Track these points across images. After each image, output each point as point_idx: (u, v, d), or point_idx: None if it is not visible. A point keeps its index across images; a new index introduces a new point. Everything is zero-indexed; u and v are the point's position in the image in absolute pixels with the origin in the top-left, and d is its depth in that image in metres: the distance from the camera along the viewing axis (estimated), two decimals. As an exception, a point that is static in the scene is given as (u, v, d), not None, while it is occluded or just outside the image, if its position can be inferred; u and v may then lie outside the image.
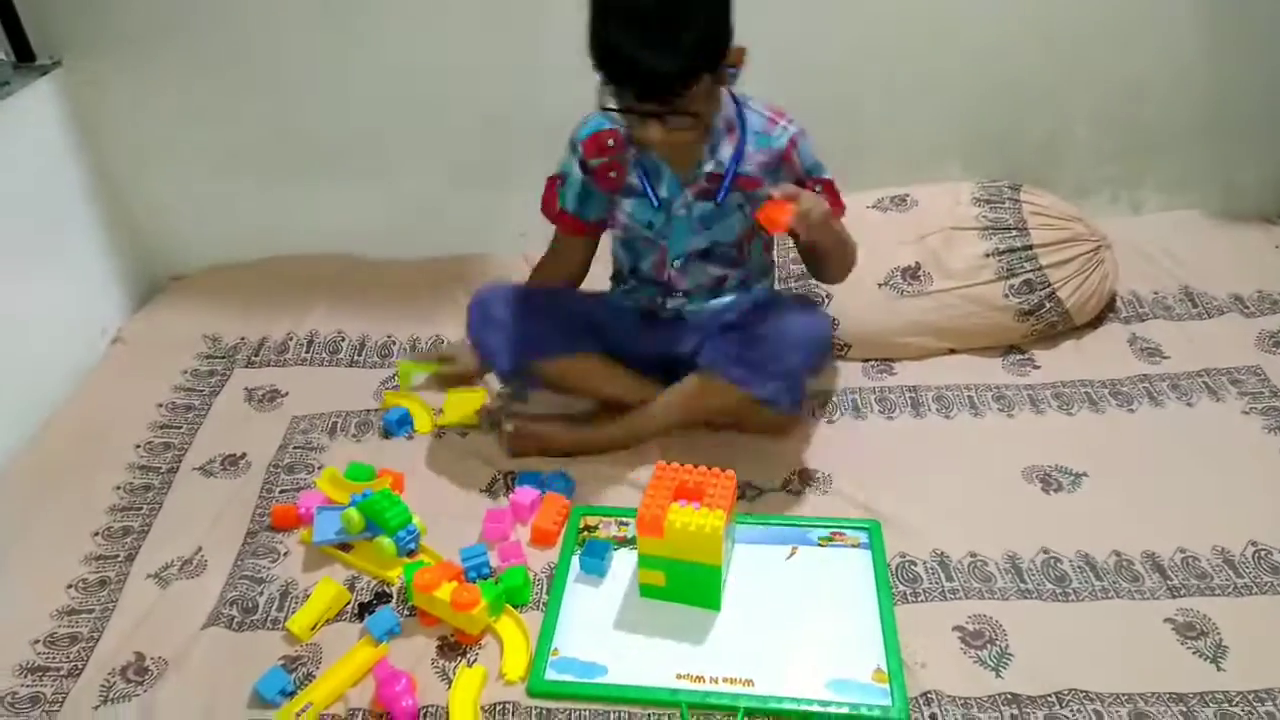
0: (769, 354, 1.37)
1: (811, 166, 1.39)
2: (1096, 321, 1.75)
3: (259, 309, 1.90)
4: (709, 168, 1.36)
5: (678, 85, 1.18)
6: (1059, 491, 1.41)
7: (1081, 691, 1.12)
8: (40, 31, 1.78)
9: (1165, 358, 1.66)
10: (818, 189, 1.38)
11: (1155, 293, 1.82)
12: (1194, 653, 1.16)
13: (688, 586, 1.24)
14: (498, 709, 1.14)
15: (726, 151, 1.36)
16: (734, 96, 1.36)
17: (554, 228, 1.50)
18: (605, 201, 1.44)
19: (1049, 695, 1.12)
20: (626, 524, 1.37)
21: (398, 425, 1.59)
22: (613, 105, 1.23)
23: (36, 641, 1.27)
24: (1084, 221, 1.76)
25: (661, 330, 1.51)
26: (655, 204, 1.39)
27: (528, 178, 2.01)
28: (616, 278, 1.56)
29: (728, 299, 1.49)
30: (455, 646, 1.23)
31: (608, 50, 1.18)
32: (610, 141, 1.38)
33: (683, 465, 1.24)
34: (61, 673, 1.24)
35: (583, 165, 1.41)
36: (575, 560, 1.33)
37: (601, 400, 1.53)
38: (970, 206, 1.75)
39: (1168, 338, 1.71)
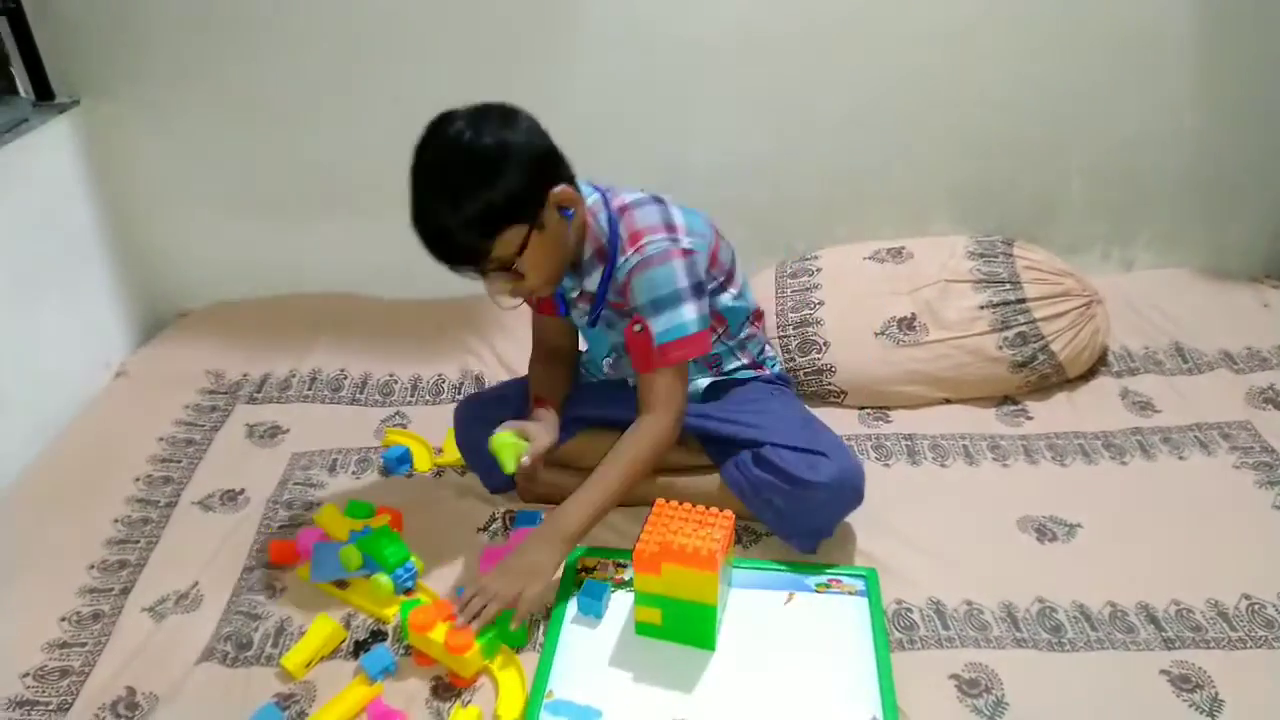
0: (802, 510, 1.33)
1: (643, 305, 1.29)
2: (1089, 374, 1.78)
3: (263, 346, 1.92)
4: (575, 293, 1.38)
5: (474, 251, 1.19)
6: (1053, 541, 1.42)
7: (1077, 742, 1.12)
8: (60, 71, 1.83)
9: (1157, 411, 1.69)
10: (637, 328, 1.31)
11: (1146, 348, 1.85)
12: (1190, 705, 1.16)
13: (683, 625, 1.24)
14: (492, 750, 1.14)
15: (594, 279, 1.34)
16: (612, 215, 1.32)
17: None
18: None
19: (1045, 745, 1.12)
20: (624, 565, 1.38)
21: (397, 463, 1.60)
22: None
23: (26, 675, 1.27)
24: (1076, 277, 1.79)
25: (616, 394, 1.49)
26: (563, 311, 1.42)
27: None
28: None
29: (702, 384, 1.48)
30: (450, 688, 1.22)
31: (415, 219, 1.20)
32: None
33: (681, 504, 1.25)
34: (50, 707, 1.23)
35: None
36: (572, 601, 1.33)
37: None
38: (965, 260, 1.79)
39: (1159, 392, 1.73)
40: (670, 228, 1.31)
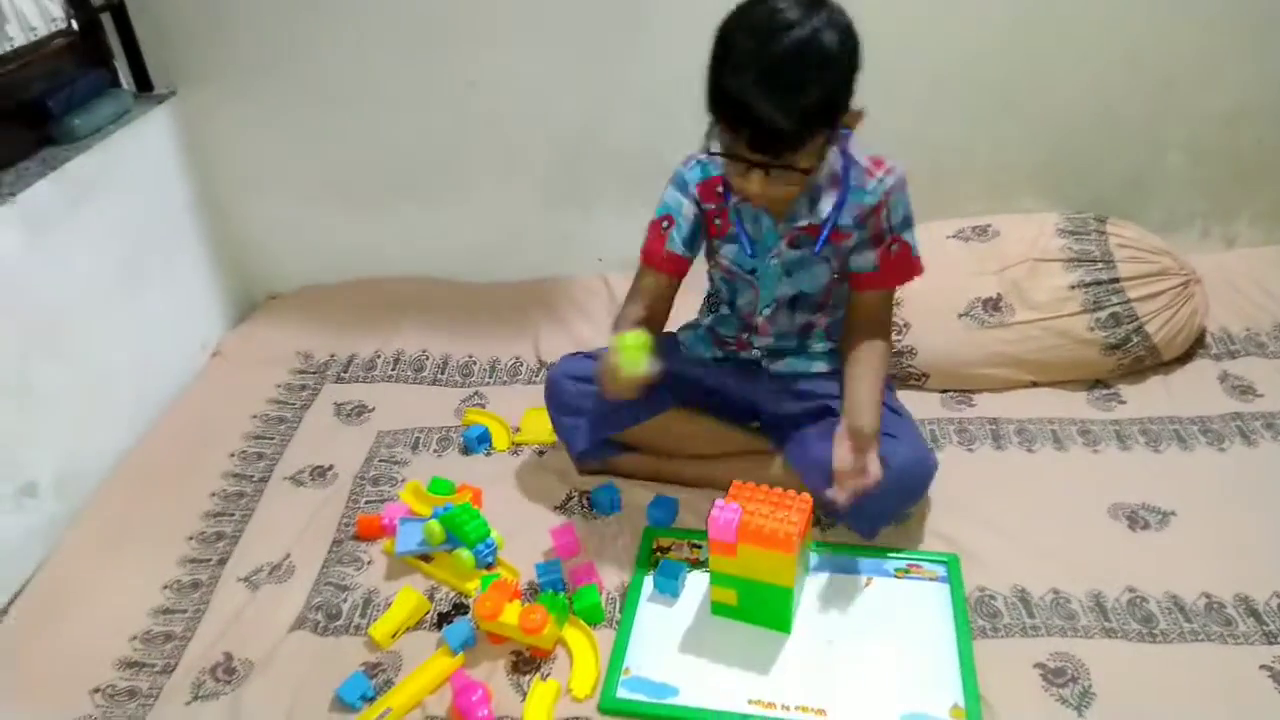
0: (874, 497, 1.28)
1: (898, 223, 1.33)
2: (1185, 357, 1.70)
3: (349, 328, 1.98)
4: (805, 221, 1.33)
5: (792, 141, 1.16)
6: (1146, 530, 1.37)
7: (1169, 736, 1.09)
8: (158, 63, 1.90)
9: (1259, 395, 1.61)
10: (894, 247, 1.34)
11: (1248, 329, 1.76)
12: (1293, 702, 1.11)
13: (759, 607, 1.24)
14: (570, 724, 1.16)
15: (828, 205, 1.31)
16: (845, 146, 1.32)
17: (641, 266, 1.43)
18: (706, 244, 1.43)
19: (1134, 738, 1.09)
20: (699, 546, 1.38)
21: (477, 442, 1.63)
22: (718, 149, 1.20)
23: (134, 638, 1.34)
24: (1172, 255, 1.72)
25: (743, 378, 1.48)
26: (750, 253, 1.37)
27: (604, 202, 2.06)
28: (711, 306, 1.52)
29: (816, 366, 1.45)
30: (529, 660, 1.25)
31: (727, 96, 1.15)
32: (719, 188, 1.36)
33: (759, 485, 1.24)
34: (156, 669, 1.30)
35: (697, 205, 1.38)
36: (648, 580, 1.34)
37: (685, 454, 1.51)
38: (1055, 238, 1.73)
39: (1261, 375, 1.65)
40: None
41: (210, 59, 1.91)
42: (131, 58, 1.87)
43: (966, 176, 1.93)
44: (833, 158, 1.30)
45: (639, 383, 1.24)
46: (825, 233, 1.32)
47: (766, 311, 1.42)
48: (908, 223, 1.34)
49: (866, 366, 1.34)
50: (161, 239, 1.88)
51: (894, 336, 1.69)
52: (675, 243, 1.38)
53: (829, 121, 1.17)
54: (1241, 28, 1.77)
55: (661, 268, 1.40)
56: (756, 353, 1.47)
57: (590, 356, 1.48)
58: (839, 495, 1.23)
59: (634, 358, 1.21)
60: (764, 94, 1.12)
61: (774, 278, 1.39)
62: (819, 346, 1.46)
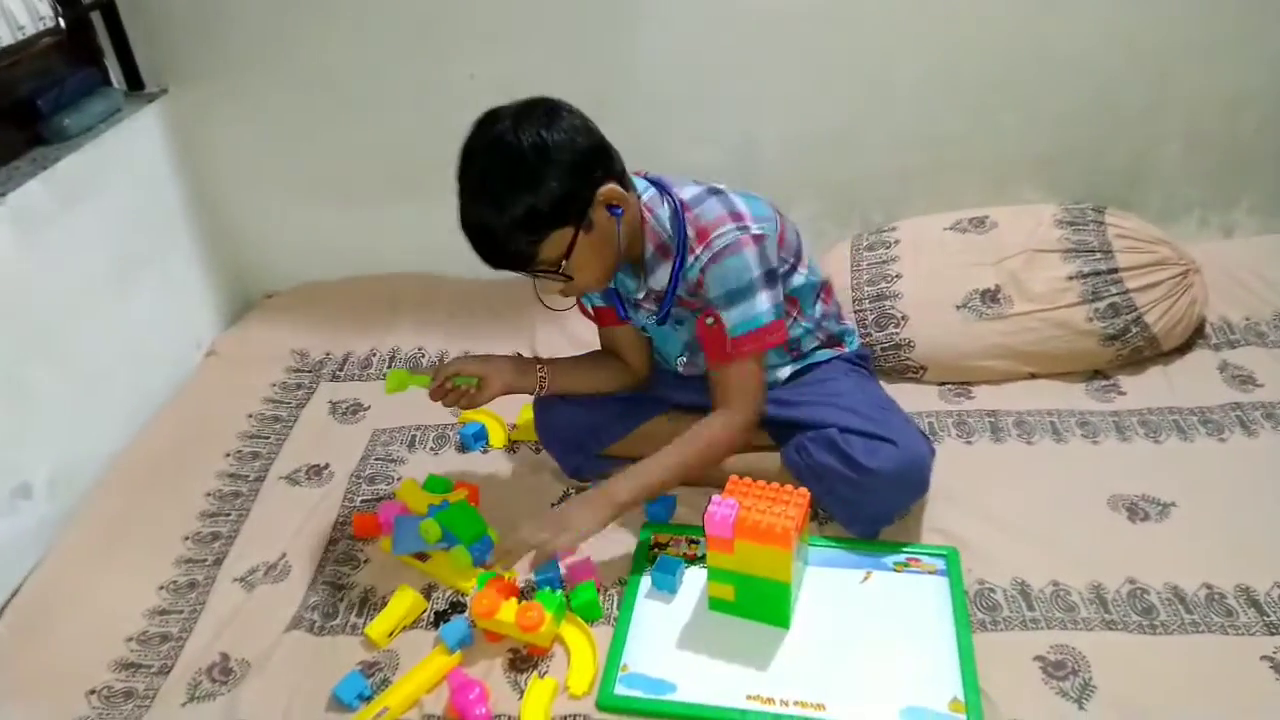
0: (862, 496, 1.31)
1: (716, 298, 1.28)
2: (1185, 347, 1.69)
3: (344, 326, 1.97)
4: (641, 294, 1.34)
5: (521, 256, 1.19)
6: (1146, 521, 1.36)
7: (1170, 728, 1.08)
8: (149, 62, 1.89)
9: (1259, 385, 1.60)
10: (709, 321, 1.29)
11: (1247, 318, 1.75)
12: (1294, 693, 1.10)
13: (757, 602, 1.23)
14: (568, 721, 1.15)
15: (663, 276, 1.31)
16: (678, 208, 1.29)
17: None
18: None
19: (1135, 731, 1.08)
20: (697, 542, 1.37)
21: (474, 439, 1.63)
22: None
23: (130, 639, 1.33)
24: (1171, 245, 1.71)
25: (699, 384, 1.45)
26: (623, 315, 1.40)
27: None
28: None
29: (782, 374, 1.45)
30: (527, 658, 1.24)
31: (461, 221, 1.20)
32: None
33: (755, 481, 1.24)
34: (153, 670, 1.29)
35: None
36: (645, 577, 1.33)
37: None
38: (1052, 229, 1.72)
39: (1261, 365, 1.64)
40: (736, 216, 1.28)
41: (202, 56, 1.91)
42: (122, 56, 1.86)
43: (964, 169, 1.92)
44: (655, 228, 1.29)
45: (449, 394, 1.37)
46: (667, 305, 1.34)
47: (683, 360, 1.43)
48: (730, 299, 1.27)
49: (680, 441, 1.31)
50: (154, 238, 1.88)
51: (890, 330, 1.69)
52: (590, 301, 1.43)
53: (560, 221, 1.18)
54: (1238, 13, 1.76)
55: (596, 320, 1.46)
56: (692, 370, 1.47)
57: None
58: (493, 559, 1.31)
59: (394, 386, 1.39)
60: (477, 214, 1.17)
61: (666, 334, 1.41)
62: (780, 361, 1.44)
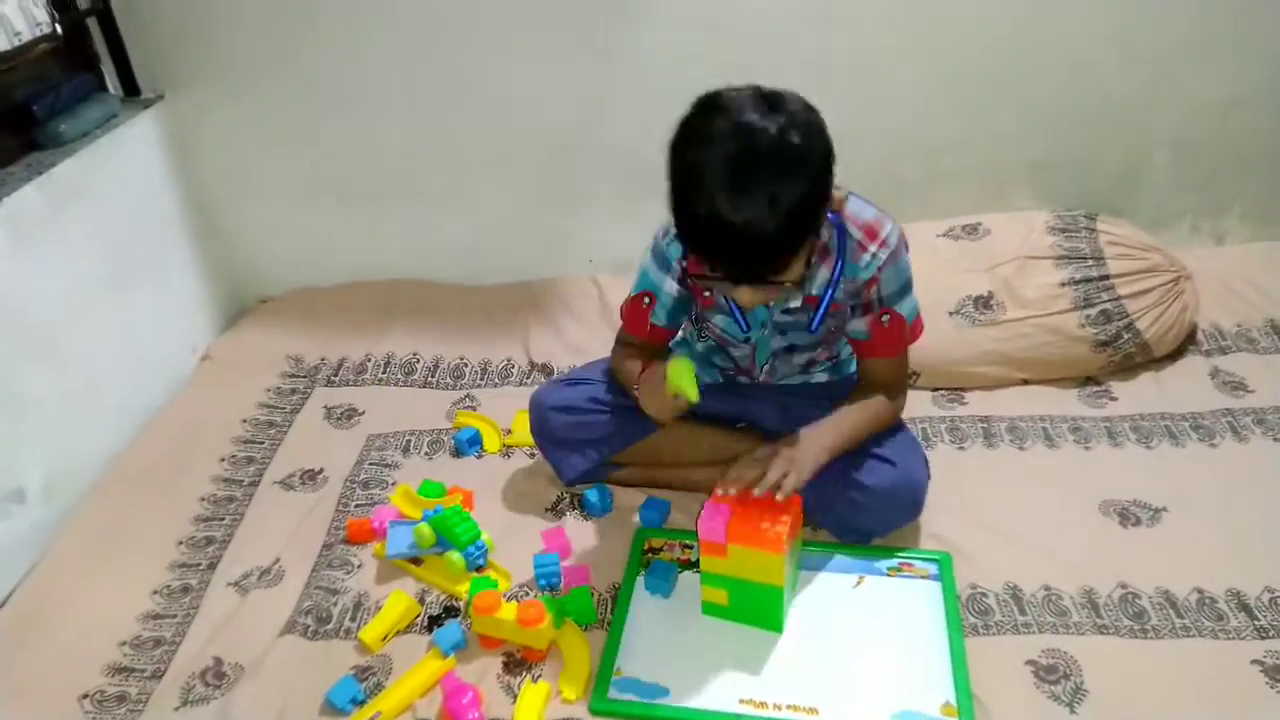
0: (854, 512, 1.31)
1: (890, 295, 1.25)
2: (1176, 354, 1.70)
3: (339, 331, 1.97)
4: (797, 303, 1.27)
5: (777, 262, 1.06)
6: (1137, 526, 1.37)
7: (1161, 732, 1.08)
8: (145, 67, 1.89)
9: (1250, 391, 1.61)
10: (885, 319, 1.26)
11: (1239, 325, 1.76)
12: (1284, 697, 1.11)
13: (750, 607, 1.24)
14: (561, 726, 1.15)
15: (822, 279, 1.24)
16: (832, 216, 1.21)
17: (623, 332, 1.42)
18: (693, 310, 1.38)
19: (1127, 734, 1.09)
20: (690, 547, 1.38)
21: (468, 445, 1.63)
22: (704, 274, 1.11)
23: (123, 643, 1.33)
24: (1163, 252, 1.72)
25: (742, 397, 1.45)
26: (743, 329, 1.33)
27: (596, 202, 2.05)
28: (700, 330, 1.44)
29: (819, 379, 1.43)
30: (520, 662, 1.24)
31: (696, 224, 1.04)
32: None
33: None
34: (145, 674, 1.29)
35: (681, 281, 1.31)
36: (639, 581, 1.34)
37: (679, 464, 1.49)
38: (1045, 235, 1.73)
39: (1252, 371, 1.65)
40: (880, 210, 1.24)
41: (198, 62, 1.91)
42: (118, 61, 1.86)
43: (958, 176, 1.93)
44: (827, 227, 1.22)
45: (683, 408, 1.22)
46: (822, 311, 1.27)
47: (765, 367, 1.39)
48: (903, 292, 1.26)
49: (857, 405, 1.30)
50: (150, 243, 1.88)
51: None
52: (659, 317, 1.35)
53: (813, 227, 1.07)
54: (1232, 17, 1.77)
55: (648, 339, 1.38)
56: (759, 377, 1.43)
57: (571, 382, 1.46)
58: (722, 485, 1.20)
59: (687, 384, 1.18)
60: (739, 228, 1.00)
61: (767, 341, 1.35)
62: (821, 375, 1.43)
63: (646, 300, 1.34)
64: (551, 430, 1.44)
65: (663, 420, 1.29)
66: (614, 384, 1.43)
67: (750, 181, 1.00)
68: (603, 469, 1.48)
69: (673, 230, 1.18)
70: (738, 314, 1.31)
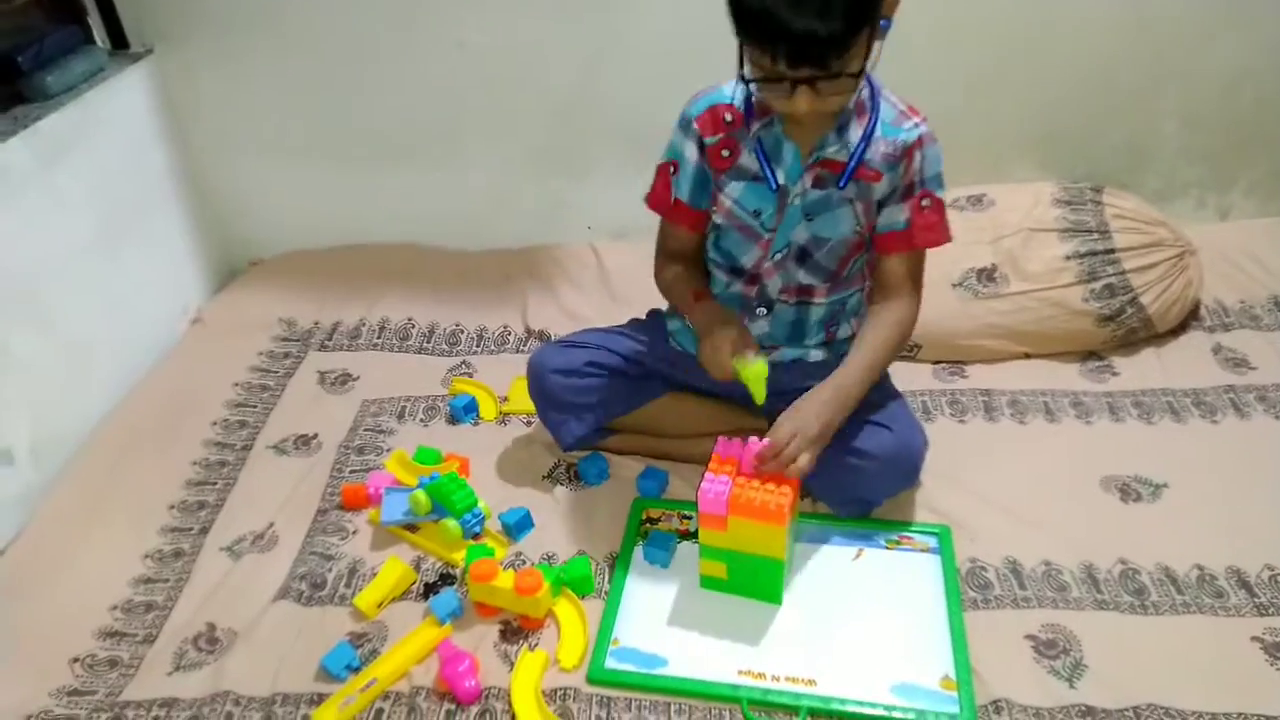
0: (851, 479, 1.29)
1: (931, 177, 1.24)
2: (1179, 329, 1.69)
3: (333, 295, 1.94)
4: (832, 150, 1.22)
5: (838, 44, 1.02)
6: (1138, 502, 1.36)
7: (1161, 707, 1.08)
8: (135, 20, 1.84)
9: (1252, 368, 1.60)
10: (925, 202, 1.24)
11: (1242, 301, 1.75)
12: (1283, 673, 1.11)
13: (749, 579, 1.23)
14: (558, 694, 1.15)
15: (855, 134, 1.21)
16: (868, 76, 1.19)
17: (659, 220, 1.36)
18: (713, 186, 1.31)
19: (1126, 709, 1.08)
20: (689, 517, 1.37)
21: (464, 411, 1.61)
22: (757, 74, 1.08)
23: (114, 608, 1.32)
24: (1168, 226, 1.70)
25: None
26: (773, 187, 1.24)
27: (596, 168, 2.01)
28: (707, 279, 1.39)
29: (813, 355, 1.37)
30: (518, 630, 1.23)
31: (755, 10, 1.02)
32: (728, 117, 1.24)
33: (744, 441, 1.22)
34: (137, 639, 1.28)
35: (699, 144, 1.27)
36: (637, 551, 1.33)
37: (678, 434, 1.47)
38: (1050, 208, 1.71)
39: (1254, 348, 1.64)
40: None
41: (189, 16, 1.86)
42: (105, 13, 1.81)
43: (962, 146, 1.88)
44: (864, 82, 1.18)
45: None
46: (852, 164, 1.21)
47: (778, 257, 1.29)
48: (940, 181, 1.25)
49: (869, 340, 1.26)
50: (139, 201, 1.84)
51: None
52: (682, 190, 1.30)
53: (873, 11, 1.04)
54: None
55: (677, 220, 1.33)
56: (761, 329, 1.37)
57: (570, 345, 1.43)
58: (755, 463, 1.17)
59: (759, 388, 1.21)
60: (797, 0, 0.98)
61: (793, 220, 1.26)
62: (814, 339, 1.37)
63: (672, 170, 1.30)
64: (551, 392, 1.41)
65: (717, 378, 1.26)
66: (611, 350, 1.41)
67: None
68: (600, 435, 1.47)
69: (701, 93, 1.23)
70: (768, 171, 1.23)
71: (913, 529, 1.34)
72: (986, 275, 1.66)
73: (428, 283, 1.96)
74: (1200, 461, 1.42)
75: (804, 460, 1.16)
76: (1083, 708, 1.09)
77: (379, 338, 1.84)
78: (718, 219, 1.31)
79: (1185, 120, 1.87)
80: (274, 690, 1.17)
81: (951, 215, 1.70)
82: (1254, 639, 1.15)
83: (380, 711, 1.14)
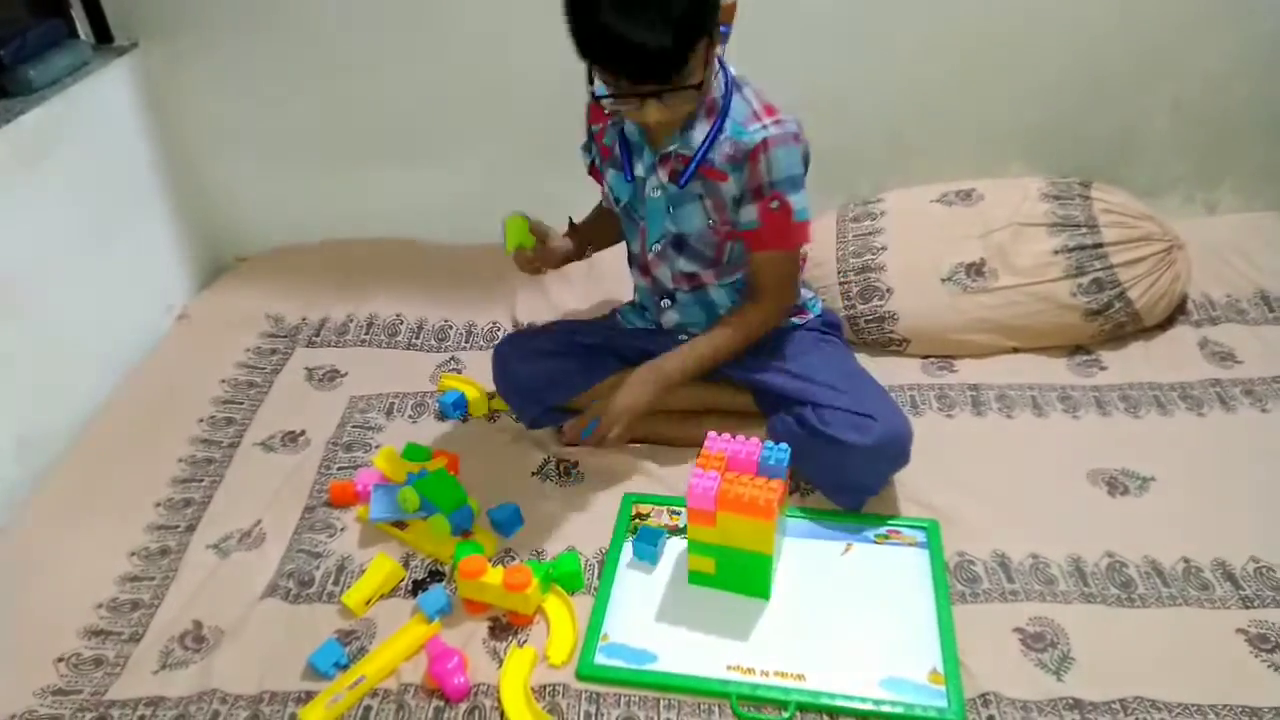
0: (847, 470, 1.31)
1: (782, 180, 1.26)
2: (1166, 324, 1.70)
3: (321, 290, 1.93)
4: (673, 148, 1.28)
5: (675, 60, 1.10)
6: (1125, 495, 1.37)
7: (1148, 700, 1.09)
8: (120, 14, 1.83)
9: (1238, 362, 1.61)
10: (774, 205, 1.27)
11: (1228, 296, 1.76)
12: (1270, 666, 1.12)
13: (738, 574, 1.23)
14: (547, 691, 1.14)
15: (699, 135, 1.26)
16: (730, 77, 1.27)
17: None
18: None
19: (1113, 702, 1.09)
20: (678, 513, 1.37)
21: (453, 408, 1.60)
22: (606, 91, 1.16)
23: (100, 606, 1.31)
24: (1156, 220, 1.70)
25: (666, 343, 1.44)
26: (628, 178, 1.34)
27: (582, 165, 2.01)
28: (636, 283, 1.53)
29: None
30: (506, 627, 1.23)
31: (592, 33, 1.11)
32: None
33: (734, 437, 1.23)
34: (123, 637, 1.27)
35: (588, 132, 1.40)
36: (627, 547, 1.32)
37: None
38: (1039, 202, 1.71)
39: (1240, 342, 1.65)
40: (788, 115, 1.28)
41: (173, 10, 1.84)
42: (89, 6, 1.79)
43: (953, 141, 1.90)
44: (718, 83, 1.26)
45: (535, 259, 1.39)
46: (693, 165, 1.28)
47: (656, 247, 1.38)
48: (794, 184, 1.27)
49: (717, 331, 1.37)
50: (124, 197, 1.82)
51: (874, 302, 1.67)
52: (586, 154, 1.44)
53: (705, 25, 1.12)
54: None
55: (600, 181, 1.44)
56: (670, 323, 1.47)
57: (524, 334, 1.54)
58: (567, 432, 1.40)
59: (510, 236, 1.37)
60: (630, 18, 1.07)
61: (658, 212, 1.35)
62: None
63: (584, 143, 1.43)
64: (510, 375, 1.48)
65: (530, 271, 1.43)
66: (576, 328, 1.53)
67: None
68: (561, 415, 1.49)
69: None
70: (626, 163, 1.33)
71: (901, 523, 1.34)
72: (975, 270, 1.67)
73: (416, 278, 1.95)
74: (1187, 455, 1.43)
75: (613, 434, 1.35)
76: (1070, 700, 1.09)
77: (367, 334, 1.84)
78: (605, 204, 1.45)
79: (1174, 115, 1.88)
80: (261, 688, 1.16)
81: (940, 209, 1.75)
82: (1239, 631, 1.16)
83: (368, 709, 1.14)
